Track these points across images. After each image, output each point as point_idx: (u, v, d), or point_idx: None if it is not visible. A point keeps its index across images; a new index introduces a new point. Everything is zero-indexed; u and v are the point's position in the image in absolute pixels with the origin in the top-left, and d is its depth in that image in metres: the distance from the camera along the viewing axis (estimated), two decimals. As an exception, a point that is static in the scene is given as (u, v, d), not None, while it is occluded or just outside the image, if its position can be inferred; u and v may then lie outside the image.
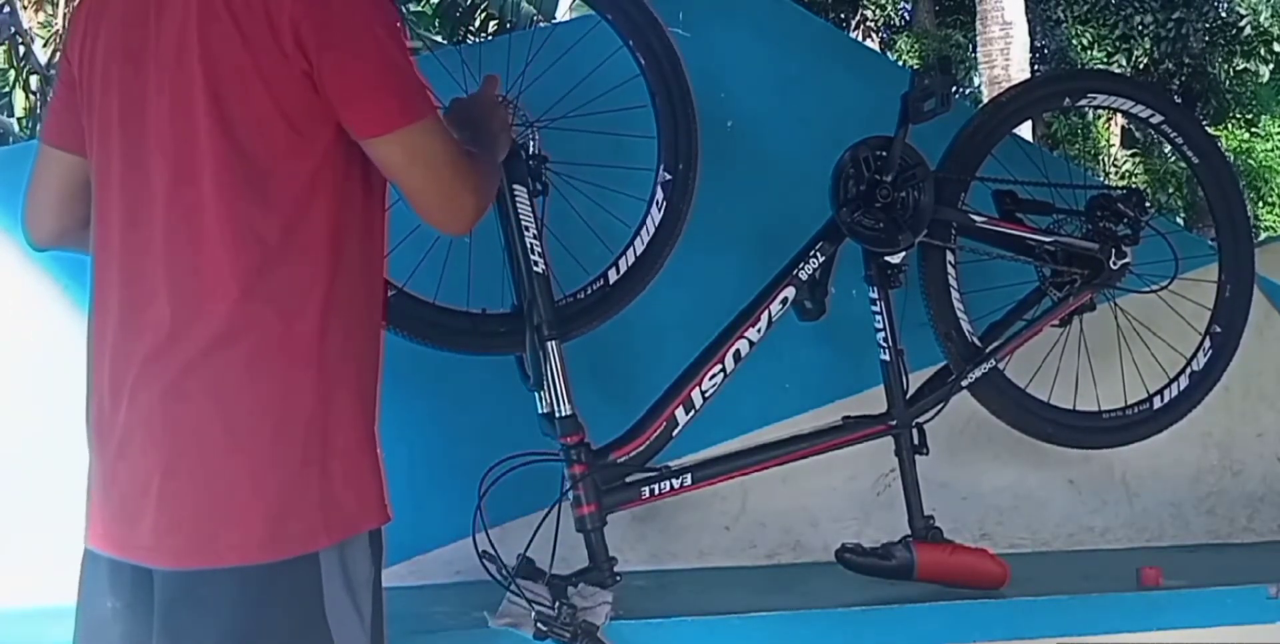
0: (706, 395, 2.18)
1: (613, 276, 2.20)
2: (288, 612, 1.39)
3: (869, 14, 16.41)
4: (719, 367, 2.19)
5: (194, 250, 1.42)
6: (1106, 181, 12.81)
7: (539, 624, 1.84)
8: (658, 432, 2.14)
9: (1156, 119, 2.65)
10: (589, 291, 2.18)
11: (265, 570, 1.37)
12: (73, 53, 1.57)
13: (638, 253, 2.22)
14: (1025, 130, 9.40)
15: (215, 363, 1.39)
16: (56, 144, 1.60)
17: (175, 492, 1.38)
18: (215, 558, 1.37)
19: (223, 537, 1.37)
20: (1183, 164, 4.38)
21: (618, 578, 2.01)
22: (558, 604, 1.87)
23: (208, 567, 1.37)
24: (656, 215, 2.24)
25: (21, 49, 10.78)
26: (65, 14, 10.13)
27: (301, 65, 1.42)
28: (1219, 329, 2.64)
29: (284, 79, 1.42)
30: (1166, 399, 2.60)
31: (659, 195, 2.24)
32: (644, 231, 2.23)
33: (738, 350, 2.21)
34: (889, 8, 16.39)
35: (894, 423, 2.30)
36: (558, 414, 2.04)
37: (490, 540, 1.90)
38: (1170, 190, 15.13)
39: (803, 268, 2.27)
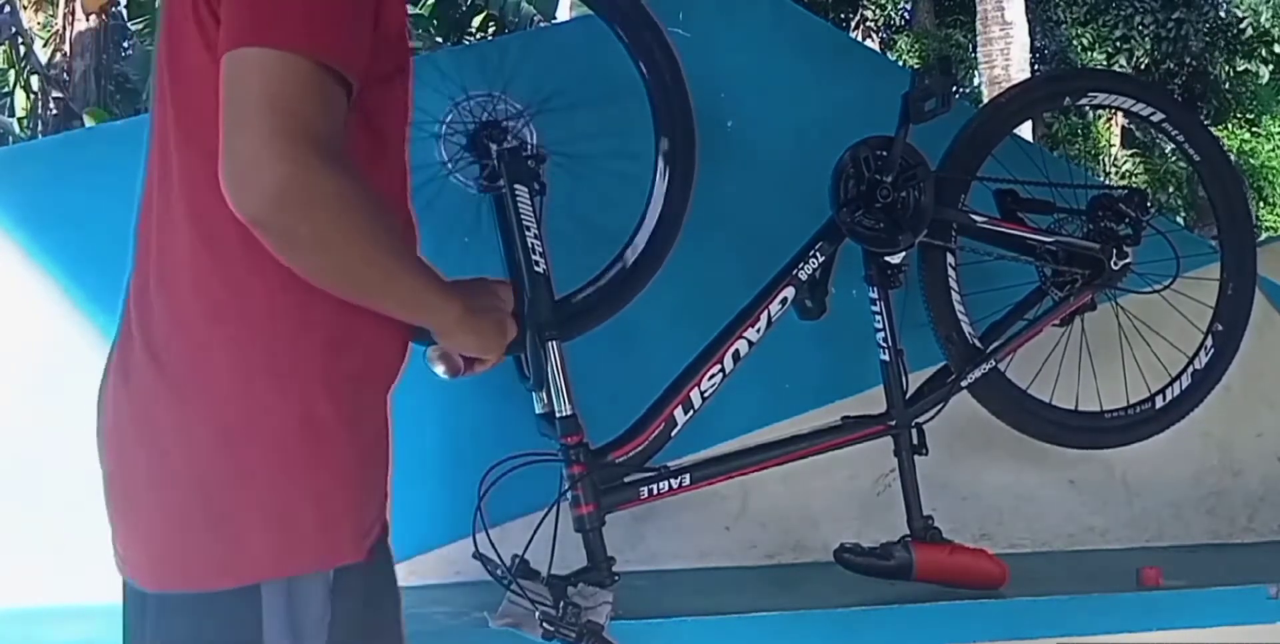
0: (705, 395, 2.18)
1: (630, 256, 2.20)
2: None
3: (869, 14, 16.41)
4: (718, 367, 2.19)
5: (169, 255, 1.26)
6: (1107, 181, 12.81)
7: (544, 624, 1.84)
8: (656, 432, 2.14)
9: (1157, 117, 2.64)
10: (608, 275, 2.18)
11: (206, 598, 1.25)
12: None
13: (650, 229, 2.21)
14: (1025, 130, 9.41)
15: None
16: None
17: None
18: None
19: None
20: (1184, 163, 4.37)
21: (616, 578, 2.01)
22: (561, 604, 1.87)
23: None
24: (663, 186, 2.23)
25: (22, 49, 10.79)
26: (65, 14, 10.15)
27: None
28: (1221, 327, 2.64)
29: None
30: (1169, 398, 2.60)
31: (661, 165, 2.24)
32: (654, 203, 2.22)
33: (737, 350, 2.21)
34: (889, 8, 16.39)
35: (893, 423, 2.29)
36: (558, 414, 2.04)
37: (490, 540, 1.90)
38: (1171, 190, 15.14)
39: (802, 268, 2.26)
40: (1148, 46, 15.09)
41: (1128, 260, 2.46)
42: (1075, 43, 15.03)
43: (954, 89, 2.42)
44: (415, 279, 1.24)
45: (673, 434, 2.15)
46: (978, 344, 2.40)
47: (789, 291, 2.25)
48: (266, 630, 1.21)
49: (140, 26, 11.10)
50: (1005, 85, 9.32)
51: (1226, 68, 15.62)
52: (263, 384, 1.21)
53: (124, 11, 11.96)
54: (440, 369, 1.42)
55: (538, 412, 2.08)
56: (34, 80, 10.67)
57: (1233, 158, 12.08)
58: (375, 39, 1.19)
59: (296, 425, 1.22)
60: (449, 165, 2.18)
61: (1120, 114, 9.75)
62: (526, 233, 2.06)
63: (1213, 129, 12.67)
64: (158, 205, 1.26)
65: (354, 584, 1.29)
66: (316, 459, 1.24)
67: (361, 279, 1.19)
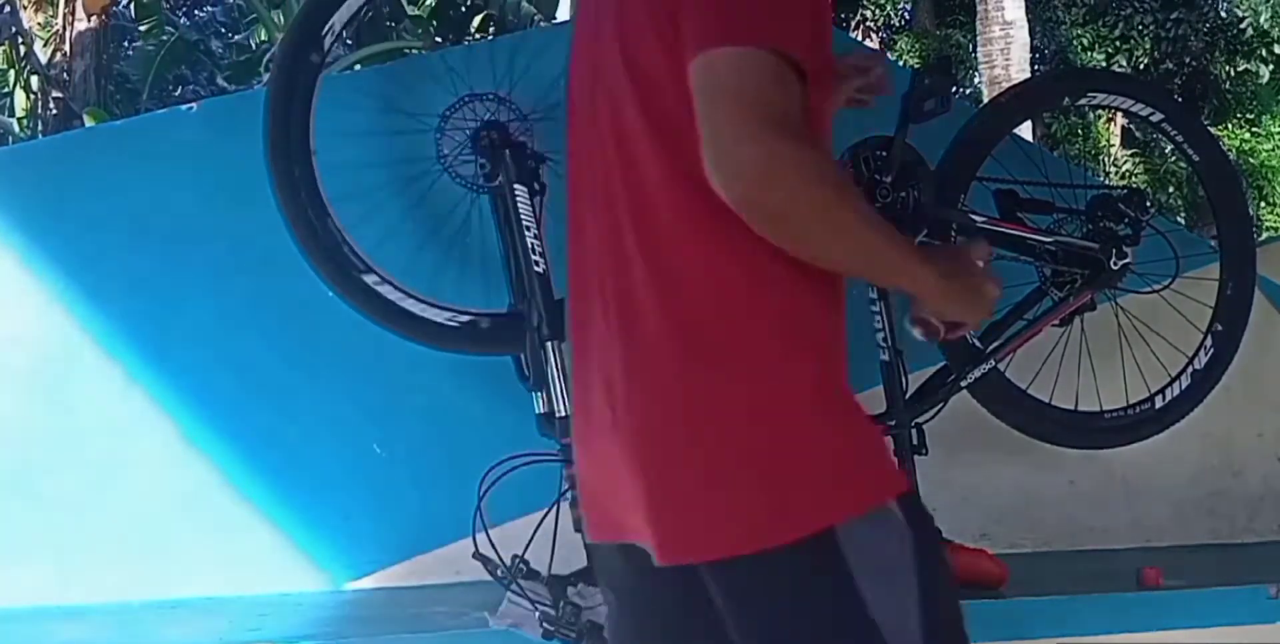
0: (706, 395, 2.17)
1: None
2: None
3: (869, 14, 16.40)
4: (719, 367, 2.19)
5: None
6: (1107, 181, 12.81)
7: (544, 624, 1.84)
8: (657, 432, 2.14)
9: (1156, 117, 2.64)
10: None
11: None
12: None
13: None
14: (1025, 130, 9.40)
15: None
16: None
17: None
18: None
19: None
20: (1183, 163, 4.38)
21: (617, 578, 2.00)
22: (561, 604, 1.86)
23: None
24: None
25: (22, 49, 10.79)
26: (65, 14, 10.15)
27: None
28: (1221, 328, 2.63)
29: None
30: (1168, 398, 2.60)
31: None
32: None
33: (737, 350, 2.20)
34: (889, 8, 16.38)
35: (893, 423, 2.29)
36: (557, 414, 2.04)
37: (490, 540, 1.90)
38: (1171, 190, 15.13)
39: (802, 268, 2.26)
40: (1147, 46, 15.08)
41: (1127, 260, 2.46)
42: (1075, 43, 15.02)
43: (954, 89, 2.42)
44: (894, 248, 1.28)
45: (673, 434, 2.15)
46: (977, 344, 2.40)
47: (789, 291, 2.24)
48: (856, 570, 1.23)
49: (147, 28, 11.10)
50: (1005, 85, 9.32)
51: (1226, 68, 15.62)
52: (790, 356, 1.27)
53: (126, 11, 11.96)
54: (918, 332, 1.47)
55: (538, 412, 2.08)
56: (34, 80, 10.67)
57: (1233, 158, 12.09)
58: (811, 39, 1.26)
59: (813, 387, 1.29)
60: (446, 159, 2.18)
61: (1120, 114, 9.77)
62: (526, 233, 2.06)
63: (1212, 129, 12.68)
64: (624, 200, 1.30)
65: (916, 508, 1.33)
66: (842, 413, 1.32)
67: (847, 250, 1.25)
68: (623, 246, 1.31)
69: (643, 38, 1.28)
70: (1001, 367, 2.42)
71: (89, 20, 10.05)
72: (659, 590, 1.33)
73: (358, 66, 7.31)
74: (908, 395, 2.32)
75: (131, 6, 11.34)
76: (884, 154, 2.27)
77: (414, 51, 8.42)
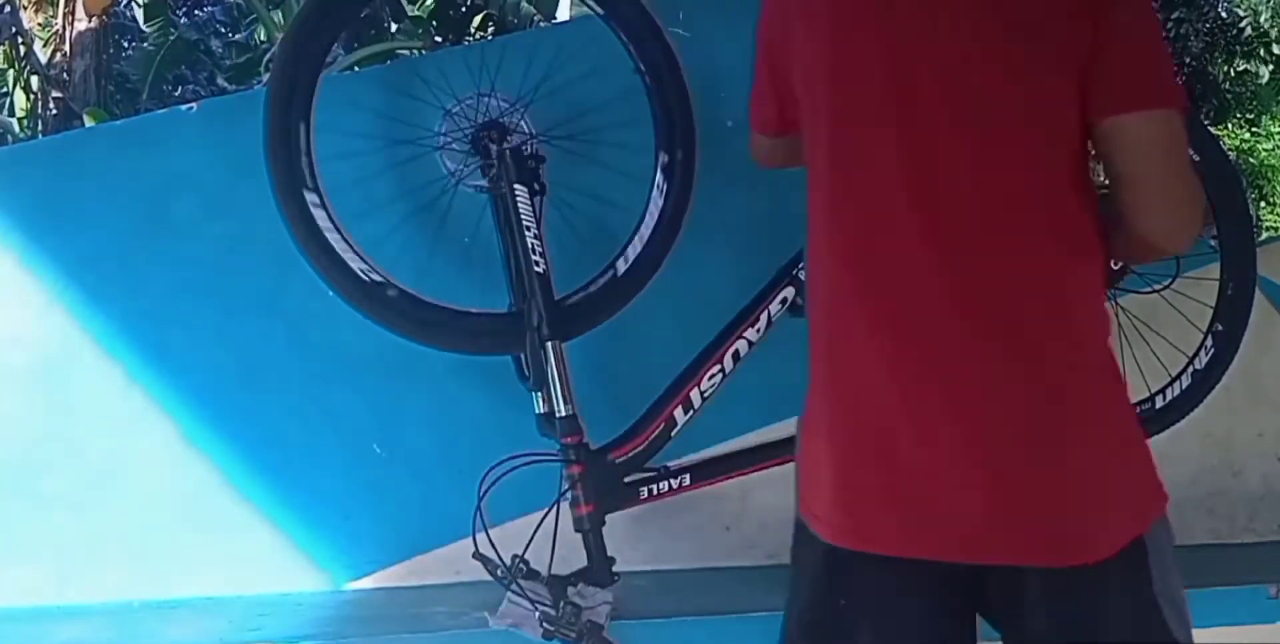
0: (705, 395, 2.18)
1: (621, 267, 2.20)
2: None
3: (869, 14, 16.39)
4: (718, 367, 2.19)
5: None
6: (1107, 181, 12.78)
7: (544, 624, 1.84)
8: (656, 432, 2.14)
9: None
10: (597, 284, 2.18)
11: None
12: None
13: (645, 239, 2.21)
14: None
15: None
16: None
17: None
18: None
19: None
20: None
21: (616, 577, 2.01)
22: (561, 604, 1.87)
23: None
24: (663, 185, 2.23)
25: (22, 49, 10.78)
26: (65, 14, 10.14)
27: None
28: (1221, 328, 2.63)
29: None
30: (1168, 398, 2.59)
31: (659, 179, 2.24)
32: (654, 203, 2.22)
33: (736, 350, 2.21)
34: (889, 8, 16.37)
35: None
36: (557, 414, 2.04)
37: (490, 540, 1.90)
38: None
39: (802, 268, 2.26)
40: (1148, 46, 15.06)
41: (1128, 260, 2.46)
42: (1075, 43, 15.00)
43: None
44: None
45: (673, 434, 2.15)
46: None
47: (789, 292, 2.25)
48: (1154, 569, 1.45)
49: (154, 28, 11.09)
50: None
51: (1226, 68, 15.61)
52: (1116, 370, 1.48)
53: (126, 11, 11.95)
54: None
55: (538, 411, 2.08)
56: (34, 80, 10.66)
57: (1233, 158, 12.07)
58: None
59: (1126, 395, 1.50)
60: (456, 174, 2.20)
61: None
62: (526, 233, 2.06)
63: (1212, 129, 12.67)
64: (962, 226, 1.39)
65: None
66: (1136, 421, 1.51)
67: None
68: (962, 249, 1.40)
69: (1037, 78, 1.38)
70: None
71: (89, 20, 10.04)
72: (931, 604, 1.43)
73: (358, 67, 7.31)
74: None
75: (132, 6, 11.32)
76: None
77: (414, 52, 8.42)
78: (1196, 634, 2.14)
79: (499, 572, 1.91)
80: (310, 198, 1.95)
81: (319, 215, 1.96)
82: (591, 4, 2.28)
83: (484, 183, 2.16)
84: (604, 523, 2.04)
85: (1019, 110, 1.38)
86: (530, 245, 2.06)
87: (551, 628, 1.85)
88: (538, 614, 1.85)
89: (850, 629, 1.44)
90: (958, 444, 1.37)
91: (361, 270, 1.98)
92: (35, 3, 10.82)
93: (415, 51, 8.52)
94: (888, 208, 1.42)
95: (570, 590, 1.93)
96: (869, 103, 1.42)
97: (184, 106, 2.48)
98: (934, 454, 1.38)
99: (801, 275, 2.26)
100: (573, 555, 2.01)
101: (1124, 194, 1.42)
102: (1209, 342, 2.63)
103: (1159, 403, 2.59)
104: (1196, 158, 2.50)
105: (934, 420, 1.38)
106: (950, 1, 1.40)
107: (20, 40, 10.62)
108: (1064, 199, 1.40)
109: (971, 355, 1.38)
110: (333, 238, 1.97)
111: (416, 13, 11.08)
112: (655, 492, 2.12)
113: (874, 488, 1.42)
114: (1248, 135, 16.46)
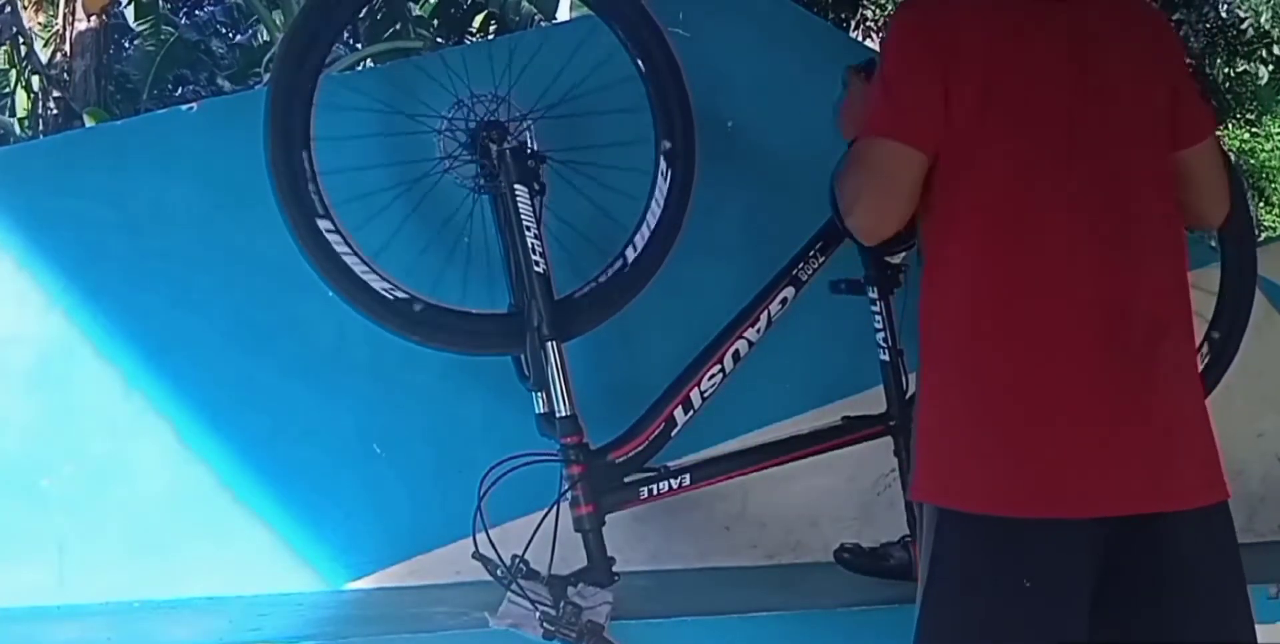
0: (705, 395, 2.18)
1: (630, 255, 2.20)
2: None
3: (869, 14, 16.39)
4: (718, 367, 2.19)
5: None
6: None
7: (544, 624, 1.84)
8: (656, 432, 2.14)
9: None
10: (608, 275, 2.18)
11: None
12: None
13: (651, 229, 2.21)
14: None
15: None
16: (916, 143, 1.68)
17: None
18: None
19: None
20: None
21: (617, 578, 2.01)
22: (561, 604, 1.87)
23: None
24: (663, 186, 2.23)
25: (22, 49, 10.79)
26: (65, 14, 10.15)
27: None
28: (1220, 330, 2.63)
29: None
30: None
31: (663, 165, 2.24)
32: (654, 203, 2.22)
33: (736, 350, 2.21)
34: (889, 8, 16.37)
35: (893, 423, 2.29)
36: (557, 414, 2.04)
37: (490, 540, 1.90)
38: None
39: (802, 268, 2.26)
40: (1148, 46, 15.05)
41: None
42: (1075, 43, 14.99)
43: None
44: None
45: (673, 434, 2.15)
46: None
47: (789, 291, 2.25)
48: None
49: (145, 27, 11.09)
50: (1005, 85, 9.29)
51: (1226, 68, 15.60)
52: None
53: (126, 12, 11.95)
54: None
55: (538, 412, 2.08)
56: (34, 80, 10.66)
57: (1233, 158, 12.06)
58: None
59: None
60: (448, 161, 2.19)
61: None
62: (526, 233, 2.06)
63: (1213, 129, 12.63)
64: (1133, 220, 1.68)
65: None
66: None
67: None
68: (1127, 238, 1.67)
69: (1164, 95, 1.73)
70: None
71: (89, 20, 10.04)
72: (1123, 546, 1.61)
73: (359, 66, 7.31)
74: (908, 395, 2.32)
75: (131, 7, 11.33)
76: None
77: (415, 52, 8.42)
78: (1196, 634, 2.14)
79: (499, 572, 1.91)
80: (324, 225, 1.97)
81: (334, 240, 1.97)
82: (591, 4, 2.29)
83: (483, 182, 2.15)
84: (604, 523, 2.04)
85: (1155, 130, 1.73)
86: (530, 245, 2.06)
87: (551, 628, 1.85)
88: (538, 614, 1.85)
89: (1030, 596, 1.58)
90: (1123, 408, 1.60)
91: (385, 289, 1.99)
92: (35, 3, 10.83)
93: (416, 51, 8.52)
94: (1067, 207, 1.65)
95: (570, 590, 1.93)
96: (1047, 117, 1.66)
97: (184, 106, 2.48)
98: (1101, 418, 1.60)
99: (802, 276, 2.26)
100: (573, 555, 2.01)
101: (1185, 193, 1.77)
102: (1208, 343, 2.63)
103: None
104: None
105: (1106, 387, 1.61)
106: (1108, 27, 1.71)
107: (20, 40, 10.63)
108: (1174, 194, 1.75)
109: (1135, 326, 1.62)
110: (352, 261, 1.98)
111: (418, 12, 11.09)
112: (655, 492, 2.12)
113: (1057, 453, 1.60)
114: (1248, 136, 16.46)
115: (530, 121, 2.12)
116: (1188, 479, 1.64)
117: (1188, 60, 1.89)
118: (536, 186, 2.09)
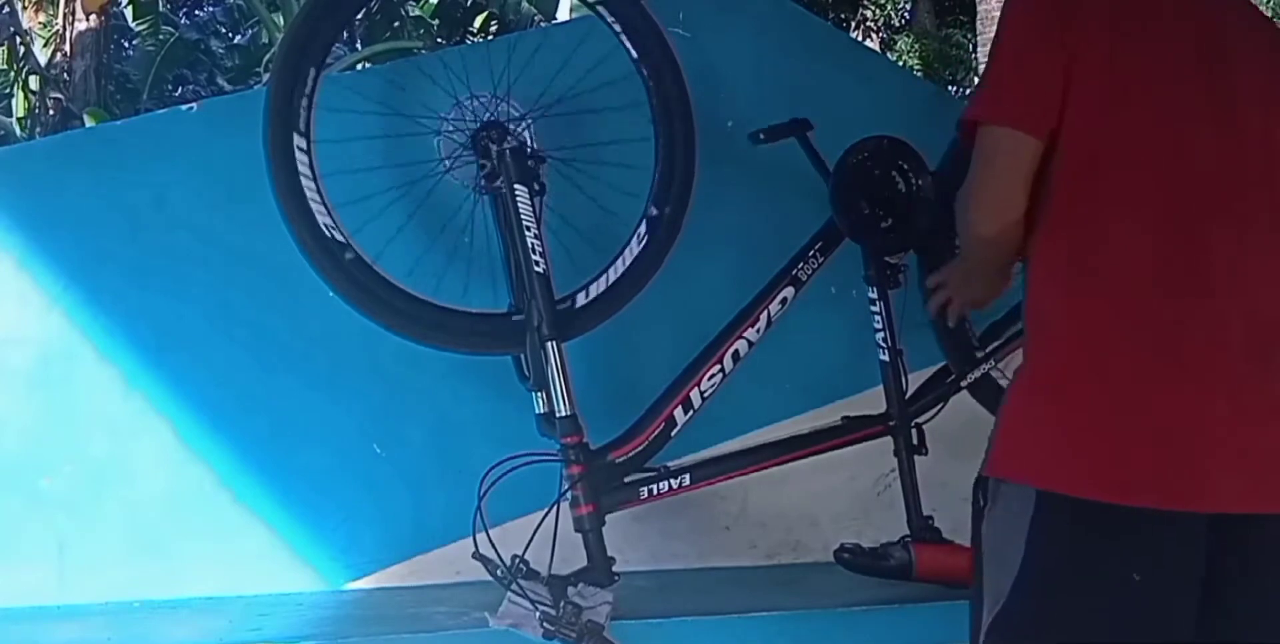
0: (705, 395, 2.18)
1: (630, 256, 2.20)
2: None
3: (869, 14, 16.40)
4: (718, 367, 2.19)
5: None
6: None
7: (544, 624, 1.85)
8: (656, 432, 2.14)
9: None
10: (608, 275, 2.18)
11: None
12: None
13: (650, 229, 2.21)
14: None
15: None
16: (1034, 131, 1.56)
17: None
18: None
19: None
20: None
21: (617, 578, 2.01)
22: (561, 604, 1.87)
23: None
24: (663, 186, 2.23)
25: (21, 49, 10.79)
26: (65, 14, 10.15)
27: None
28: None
29: None
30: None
31: (661, 166, 2.24)
32: (654, 203, 2.23)
33: (736, 351, 2.21)
34: (889, 8, 16.38)
35: (893, 423, 2.30)
36: (558, 414, 2.04)
37: (491, 540, 1.91)
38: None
39: (802, 268, 2.27)
40: (1148, 46, 15.06)
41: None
42: (1075, 43, 15.00)
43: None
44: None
45: (673, 434, 2.15)
46: (977, 344, 2.40)
47: (789, 291, 2.25)
48: None
49: (145, 27, 11.09)
50: (1005, 85, 9.31)
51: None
52: None
53: (126, 11, 11.96)
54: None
55: (538, 412, 2.09)
56: (34, 80, 10.67)
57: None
58: None
59: None
60: (448, 162, 2.19)
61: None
62: (526, 233, 2.06)
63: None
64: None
65: None
66: None
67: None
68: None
69: None
70: (1001, 367, 2.42)
71: (89, 20, 10.05)
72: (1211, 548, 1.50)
73: (359, 66, 7.31)
74: (908, 395, 2.32)
75: (131, 7, 11.34)
76: (884, 155, 2.28)
77: (415, 51, 8.42)
78: (1196, 634, 2.14)
79: (499, 572, 1.91)
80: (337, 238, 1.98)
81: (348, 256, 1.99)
82: (591, 4, 2.29)
83: (484, 182, 2.16)
84: (604, 523, 2.04)
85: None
86: (530, 245, 2.06)
87: (551, 628, 1.85)
88: (538, 614, 1.85)
89: (1126, 585, 1.49)
90: (1250, 405, 1.51)
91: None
92: (35, 3, 10.83)
93: (417, 51, 8.52)
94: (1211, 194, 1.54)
95: (570, 590, 1.93)
96: (1188, 99, 1.56)
97: (184, 106, 2.48)
98: (1203, 408, 1.50)
99: (802, 276, 2.26)
100: (573, 555, 2.01)
101: None
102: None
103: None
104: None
105: (1208, 376, 1.52)
106: (1235, 17, 1.62)
107: (20, 40, 10.63)
108: None
109: (1270, 326, 1.54)
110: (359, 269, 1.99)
111: (418, 12, 11.09)
112: (655, 491, 2.12)
113: (1186, 442, 1.51)
114: (1248, 135, 16.44)
115: (530, 121, 2.12)
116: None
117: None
118: (536, 186, 2.09)
